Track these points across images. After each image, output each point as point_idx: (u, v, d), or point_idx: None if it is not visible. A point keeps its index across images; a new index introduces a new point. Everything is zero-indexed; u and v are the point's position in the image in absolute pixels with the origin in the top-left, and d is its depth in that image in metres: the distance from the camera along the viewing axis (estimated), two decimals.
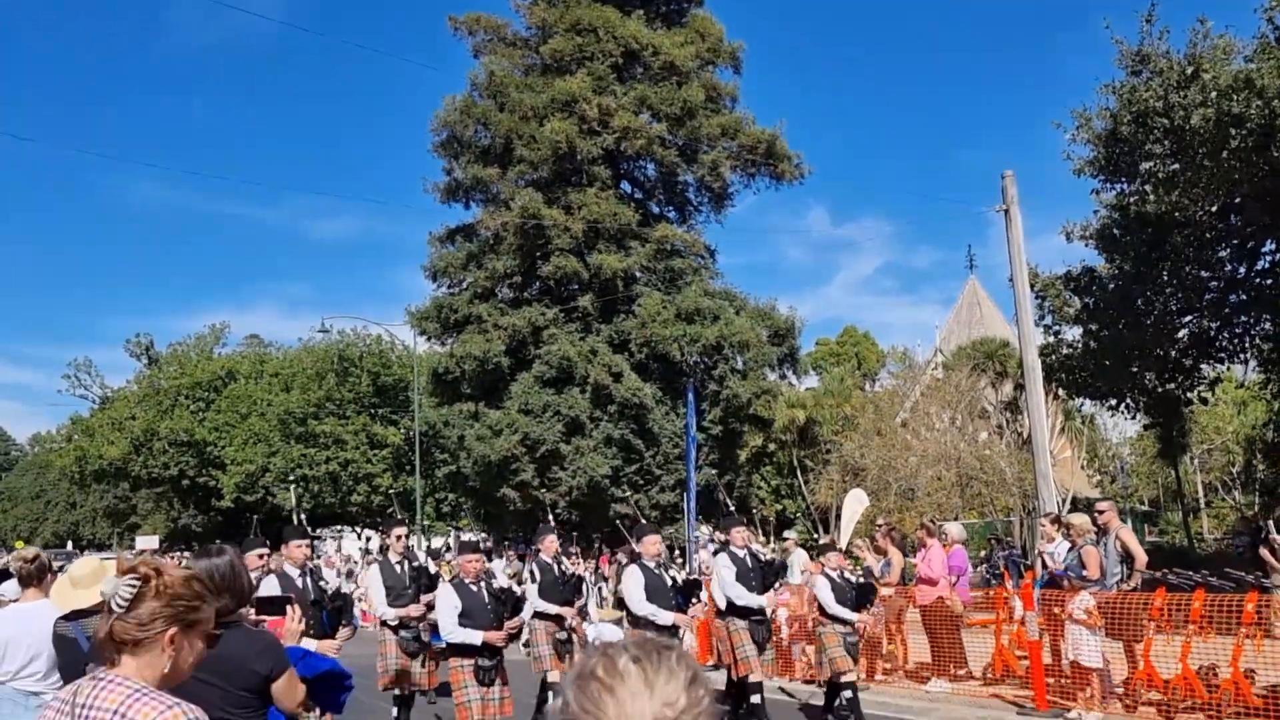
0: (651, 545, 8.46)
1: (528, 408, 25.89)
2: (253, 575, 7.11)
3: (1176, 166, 14.80)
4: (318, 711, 6.00)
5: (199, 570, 3.07)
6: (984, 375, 31.20)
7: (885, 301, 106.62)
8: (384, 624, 8.47)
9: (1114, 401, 20.51)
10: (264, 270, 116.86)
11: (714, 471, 27.00)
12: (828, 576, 9.40)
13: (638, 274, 27.40)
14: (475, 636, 7.00)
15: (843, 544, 15.91)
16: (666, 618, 7.94)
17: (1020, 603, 9.84)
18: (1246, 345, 19.89)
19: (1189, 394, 20.74)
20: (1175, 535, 30.96)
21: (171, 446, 43.18)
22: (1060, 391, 23.67)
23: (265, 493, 41.36)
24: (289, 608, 3.80)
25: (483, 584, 7.35)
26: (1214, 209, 16.36)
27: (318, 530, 43.01)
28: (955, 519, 23.12)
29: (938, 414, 30.05)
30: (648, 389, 25.80)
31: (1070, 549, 9.73)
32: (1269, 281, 18.62)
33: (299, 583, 6.69)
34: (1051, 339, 20.37)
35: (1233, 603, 8.30)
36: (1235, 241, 18.21)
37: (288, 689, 3.17)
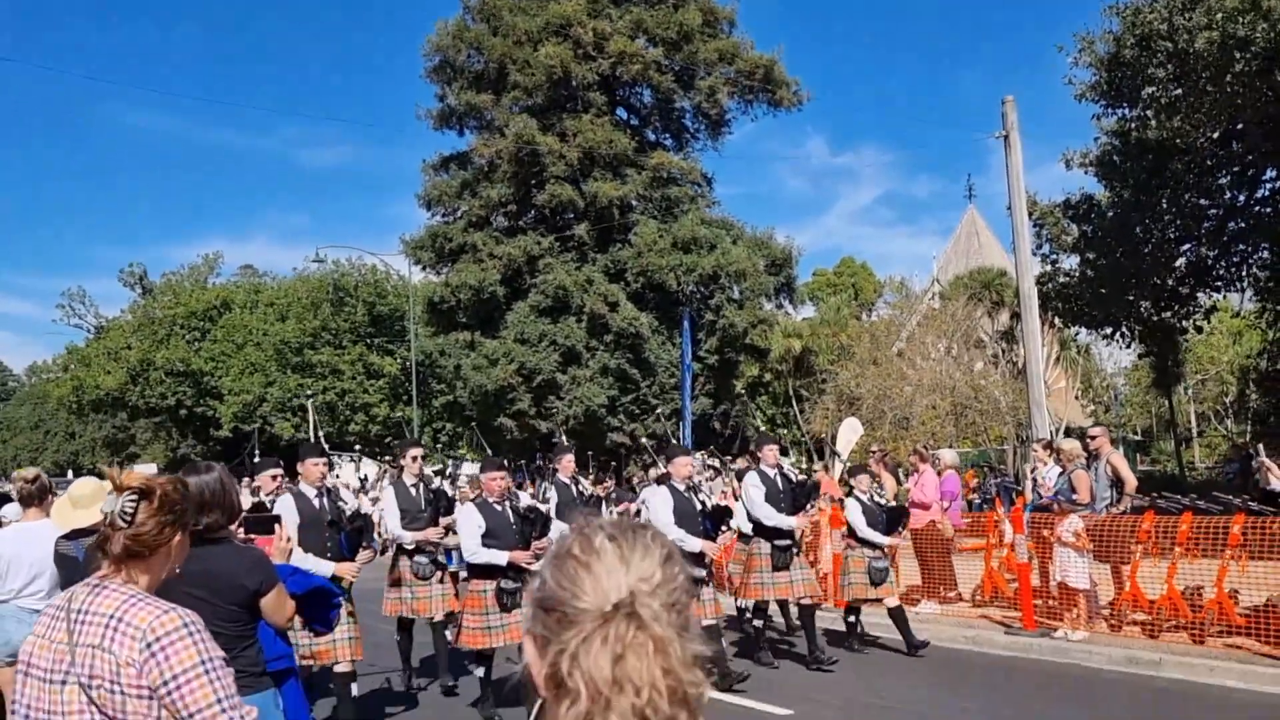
0: (683, 466, 7.88)
1: (524, 337, 25.90)
2: (267, 497, 6.89)
3: (1179, 91, 14.61)
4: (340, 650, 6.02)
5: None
6: (980, 305, 31.19)
7: (884, 232, 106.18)
8: (398, 548, 8.10)
9: (1109, 330, 20.56)
10: (258, 200, 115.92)
11: (710, 401, 27.14)
12: (858, 499, 9.15)
13: (634, 202, 27.18)
14: (500, 557, 6.70)
15: (836, 473, 16.05)
16: (694, 544, 7.36)
17: (1010, 527, 9.97)
18: (1244, 274, 19.88)
19: (1184, 323, 20.78)
20: (1167, 464, 31.30)
21: (168, 376, 43.26)
22: (1056, 321, 23.70)
23: (263, 422, 41.57)
24: (277, 526, 3.88)
25: (507, 503, 7.05)
26: (1215, 135, 16.22)
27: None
28: (949, 447, 23.31)
29: (933, 343, 30.08)
30: (644, 318, 25.79)
31: (1061, 474, 9.84)
32: (1268, 210, 18.53)
33: (316, 503, 6.33)
34: (1049, 268, 20.33)
35: (1219, 526, 8.41)
36: (1236, 169, 18.07)
37: (276, 604, 3.23)
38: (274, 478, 7.31)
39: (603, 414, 25.80)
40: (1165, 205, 17.65)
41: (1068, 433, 24.99)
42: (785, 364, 35.04)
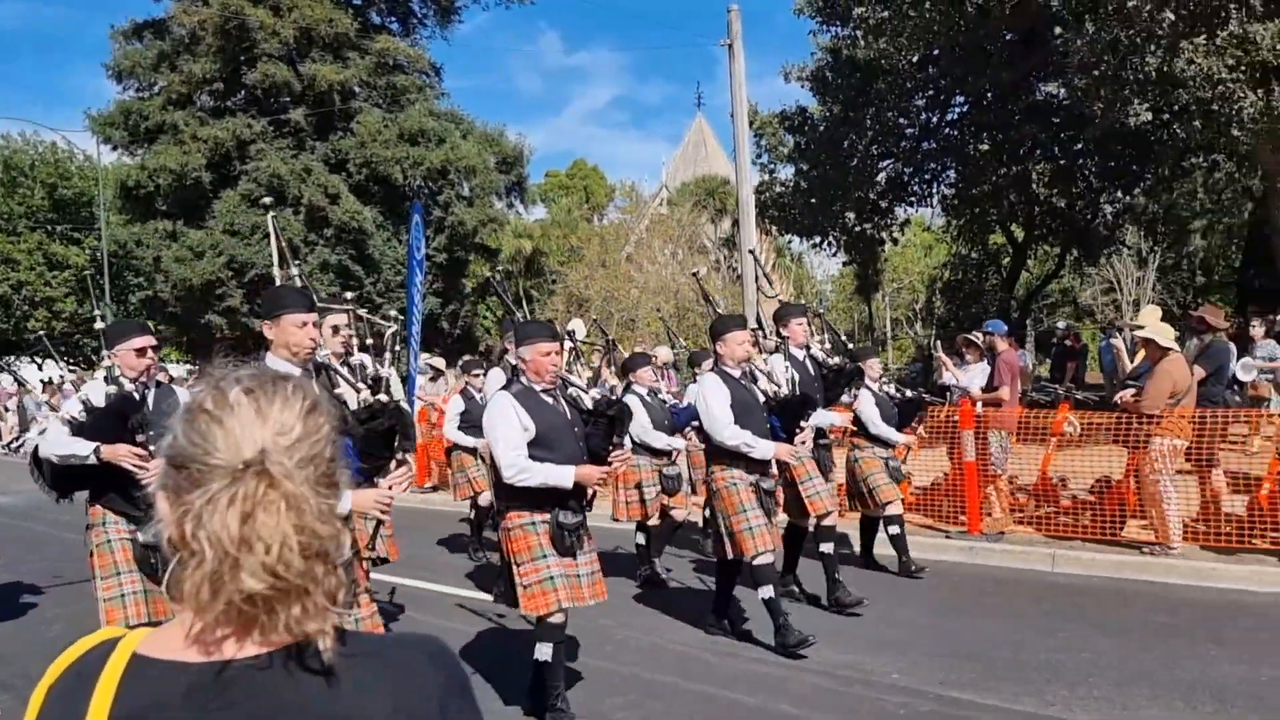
0: (738, 346, 5.74)
1: (234, 228, 24.01)
2: (133, 386, 4.56)
3: (885, 14, 15.47)
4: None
5: None
6: (705, 212, 32.37)
7: (616, 135, 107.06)
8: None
9: (818, 239, 21.94)
10: None
11: (438, 300, 26.53)
12: (869, 389, 7.45)
13: (356, 89, 25.59)
14: (563, 475, 4.42)
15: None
16: (766, 448, 5.56)
17: None
18: (934, 191, 21.77)
19: (883, 234, 22.54)
20: None
21: None
22: (773, 229, 24.99)
23: None
24: None
25: (558, 391, 4.72)
26: (915, 59, 17.39)
27: None
28: (669, 346, 24.17)
29: (660, 248, 30.96)
30: (368, 212, 24.63)
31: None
32: (956, 133, 20.28)
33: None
34: (767, 177, 21.29)
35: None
36: (931, 91, 19.56)
37: None
38: (139, 352, 4.61)
39: None
40: (870, 122, 18.86)
41: None
42: (516, 264, 34.90)
